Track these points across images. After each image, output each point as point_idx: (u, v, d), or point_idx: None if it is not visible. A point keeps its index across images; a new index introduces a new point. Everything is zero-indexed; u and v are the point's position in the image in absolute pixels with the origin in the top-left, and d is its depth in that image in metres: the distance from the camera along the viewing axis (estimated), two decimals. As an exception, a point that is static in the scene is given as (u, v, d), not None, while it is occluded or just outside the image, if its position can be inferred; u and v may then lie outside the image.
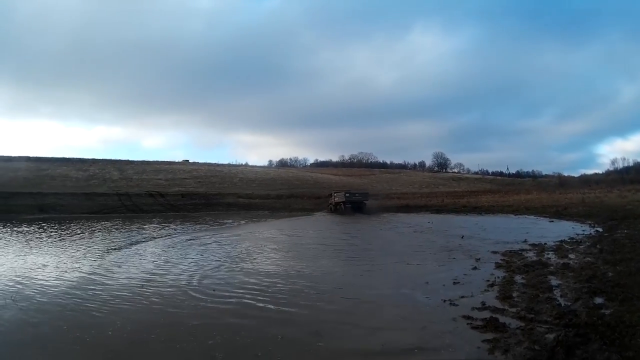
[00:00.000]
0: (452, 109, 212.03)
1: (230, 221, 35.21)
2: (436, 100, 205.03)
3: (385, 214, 43.50)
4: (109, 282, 11.66)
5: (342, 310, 8.70)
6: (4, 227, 29.57)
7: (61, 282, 11.82)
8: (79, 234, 25.08)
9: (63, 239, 22.44)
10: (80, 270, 13.43)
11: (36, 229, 27.65)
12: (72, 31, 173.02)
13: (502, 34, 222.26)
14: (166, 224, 31.82)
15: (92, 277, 12.40)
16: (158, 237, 22.84)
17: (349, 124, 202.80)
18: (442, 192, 75.77)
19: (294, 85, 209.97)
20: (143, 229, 28.37)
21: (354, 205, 43.76)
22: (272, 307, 9.00)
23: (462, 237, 20.36)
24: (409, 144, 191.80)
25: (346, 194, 45.10)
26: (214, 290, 10.49)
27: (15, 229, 28.16)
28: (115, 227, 29.62)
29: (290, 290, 10.48)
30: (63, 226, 30.04)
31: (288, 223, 34.40)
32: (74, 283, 11.60)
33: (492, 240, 19.25)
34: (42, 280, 12.03)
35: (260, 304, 9.20)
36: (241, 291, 10.39)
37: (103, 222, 33.71)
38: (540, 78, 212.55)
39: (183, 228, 28.89)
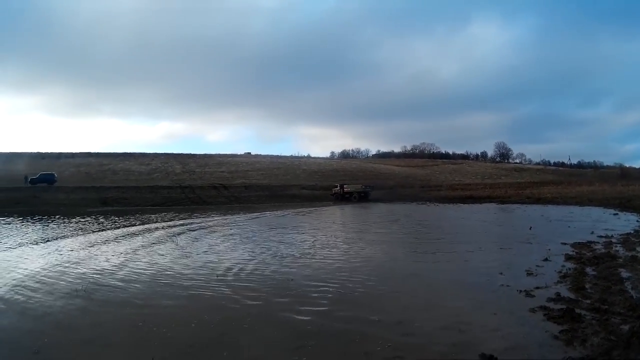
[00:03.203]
0: (512, 99, 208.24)
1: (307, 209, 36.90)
2: (497, 91, 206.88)
3: (449, 204, 43.96)
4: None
5: (425, 297, 9.17)
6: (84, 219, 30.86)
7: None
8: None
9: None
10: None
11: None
12: (135, 32, 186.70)
13: (560, 23, 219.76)
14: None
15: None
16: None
17: (411, 116, 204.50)
18: (505, 183, 73.98)
19: (357, 78, 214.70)
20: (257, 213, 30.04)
21: (361, 194, 52.84)
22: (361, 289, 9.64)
23: (530, 229, 20.26)
24: (470, 134, 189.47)
25: (363, 186, 55.79)
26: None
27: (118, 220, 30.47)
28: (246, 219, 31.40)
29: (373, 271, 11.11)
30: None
31: (360, 213, 35.49)
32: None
33: (559, 232, 19.06)
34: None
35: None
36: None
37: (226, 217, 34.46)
38: (599, 67, 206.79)
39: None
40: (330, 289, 9.76)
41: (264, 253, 15.07)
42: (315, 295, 9.29)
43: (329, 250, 15.44)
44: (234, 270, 12.12)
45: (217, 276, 11.38)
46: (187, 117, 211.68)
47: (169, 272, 11.98)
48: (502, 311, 7.93)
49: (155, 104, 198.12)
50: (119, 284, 10.75)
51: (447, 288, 9.94)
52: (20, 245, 17.68)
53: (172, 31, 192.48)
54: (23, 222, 28.41)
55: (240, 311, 8.31)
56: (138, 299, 9.31)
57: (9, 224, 27.21)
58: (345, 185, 54.62)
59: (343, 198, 52.27)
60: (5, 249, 16.87)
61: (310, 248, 16.05)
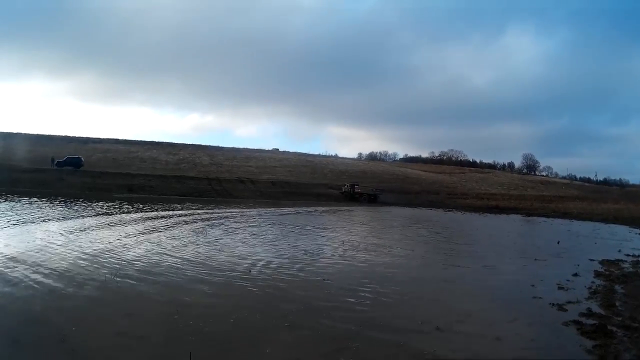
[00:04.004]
0: (543, 112, 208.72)
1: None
2: (528, 103, 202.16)
3: (476, 213, 44.01)
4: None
5: (460, 305, 9.39)
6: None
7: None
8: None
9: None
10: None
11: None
12: (173, 24, 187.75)
13: (594, 39, 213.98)
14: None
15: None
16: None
17: (441, 122, 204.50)
18: (530, 195, 73.40)
19: (390, 82, 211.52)
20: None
21: (371, 197, 54.56)
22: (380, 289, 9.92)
23: (558, 243, 20.44)
24: (499, 144, 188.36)
25: (375, 189, 58.26)
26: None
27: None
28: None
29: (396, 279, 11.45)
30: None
31: (387, 217, 35.70)
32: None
33: (586, 248, 19.33)
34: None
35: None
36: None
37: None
38: (630, 84, 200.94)
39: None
40: (366, 292, 10.00)
41: (298, 250, 15.40)
42: (352, 299, 9.36)
43: (360, 252, 15.69)
44: (271, 266, 12.32)
45: (250, 272, 11.47)
46: (217, 111, 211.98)
47: (201, 265, 11.96)
48: (537, 323, 8.21)
49: (186, 95, 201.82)
50: (151, 277, 10.45)
51: (481, 297, 10.24)
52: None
53: (209, 25, 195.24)
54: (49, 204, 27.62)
55: (279, 309, 8.41)
56: (170, 292, 9.26)
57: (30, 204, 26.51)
58: (356, 186, 56.13)
59: (352, 198, 53.67)
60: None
61: (343, 249, 16.29)
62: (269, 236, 18.95)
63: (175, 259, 12.55)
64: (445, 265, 14.23)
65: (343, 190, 55.80)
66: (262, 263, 12.73)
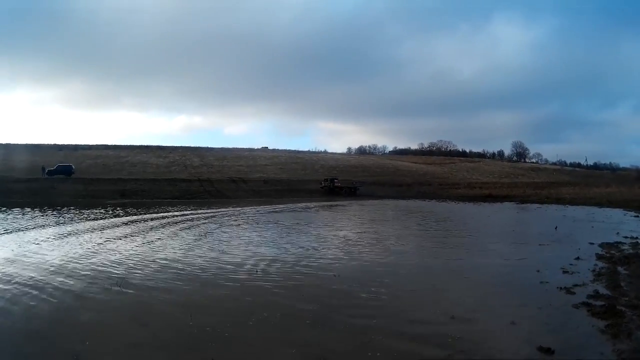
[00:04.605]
0: (531, 99, 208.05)
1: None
2: (516, 90, 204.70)
3: (470, 202, 44.46)
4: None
5: (470, 293, 9.57)
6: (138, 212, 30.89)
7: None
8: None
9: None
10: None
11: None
12: (156, 26, 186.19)
13: (581, 25, 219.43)
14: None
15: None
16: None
17: (430, 113, 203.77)
18: (522, 182, 73.87)
19: (377, 75, 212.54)
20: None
21: (351, 190, 55.74)
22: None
23: (556, 228, 20.70)
24: (488, 134, 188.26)
25: (354, 182, 59.14)
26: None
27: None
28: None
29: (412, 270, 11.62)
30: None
31: (383, 210, 35.63)
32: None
33: (584, 232, 19.54)
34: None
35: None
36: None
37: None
38: (618, 69, 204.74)
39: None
40: (377, 287, 10.02)
41: (302, 247, 15.49)
42: (364, 295, 9.39)
43: (363, 247, 15.74)
44: (275, 266, 12.27)
45: (257, 272, 11.49)
46: (205, 111, 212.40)
47: (208, 268, 11.98)
48: (547, 306, 8.32)
49: (173, 97, 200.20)
50: (161, 284, 10.32)
51: (489, 285, 10.36)
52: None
53: (192, 25, 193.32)
54: (43, 214, 27.15)
55: (297, 308, 8.46)
56: (181, 297, 9.21)
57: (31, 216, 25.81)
58: (335, 180, 57.18)
59: (332, 192, 54.38)
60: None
61: (345, 244, 16.37)
62: (269, 234, 19.00)
63: (181, 263, 12.54)
64: (450, 255, 14.30)
65: (322, 185, 56.39)
66: (265, 262, 12.76)
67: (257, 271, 11.57)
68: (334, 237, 18.33)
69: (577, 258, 13.16)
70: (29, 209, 29.62)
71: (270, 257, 13.40)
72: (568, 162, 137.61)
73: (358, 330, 7.30)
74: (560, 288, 9.60)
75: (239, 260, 13.04)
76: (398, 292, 9.64)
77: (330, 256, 13.91)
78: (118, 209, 31.83)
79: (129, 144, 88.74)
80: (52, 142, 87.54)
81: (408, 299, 9.24)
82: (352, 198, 50.29)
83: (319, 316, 7.98)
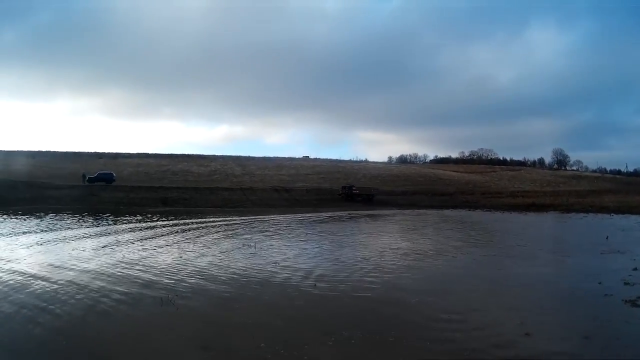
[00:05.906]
0: (568, 106, 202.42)
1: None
2: (553, 97, 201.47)
3: (514, 212, 44.22)
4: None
5: (543, 305, 9.85)
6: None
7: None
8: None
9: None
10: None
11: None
12: (197, 37, 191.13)
13: (616, 29, 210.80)
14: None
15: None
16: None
17: (468, 121, 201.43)
18: (564, 190, 72.21)
19: (416, 83, 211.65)
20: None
21: (368, 197, 56.99)
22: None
23: (607, 238, 20.75)
24: (526, 141, 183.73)
25: (371, 189, 61.00)
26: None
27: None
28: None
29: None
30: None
31: (434, 220, 35.57)
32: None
33: (636, 241, 19.87)
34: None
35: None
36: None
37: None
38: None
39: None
40: (444, 300, 10.38)
41: (358, 258, 15.96)
42: (443, 315, 9.26)
43: (421, 259, 15.94)
44: (336, 277, 12.60)
45: (315, 284, 11.70)
46: (246, 120, 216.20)
47: (261, 279, 12.23)
48: (617, 320, 8.69)
49: (214, 107, 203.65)
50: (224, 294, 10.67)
51: (556, 299, 10.76)
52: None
53: (234, 36, 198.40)
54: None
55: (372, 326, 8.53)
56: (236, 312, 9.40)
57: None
58: (353, 187, 59.23)
59: (351, 199, 55.85)
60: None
61: (398, 256, 16.58)
62: (320, 245, 19.43)
63: (231, 274, 12.87)
64: (509, 267, 14.58)
65: (341, 192, 57.67)
66: (325, 274, 13.05)
67: (315, 285, 11.68)
68: (390, 247, 18.66)
69: (635, 269, 13.40)
70: (87, 216, 30.27)
71: (329, 270, 13.67)
72: (608, 169, 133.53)
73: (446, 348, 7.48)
74: (626, 301, 9.81)
75: (295, 268, 13.62)
76: (471, 310, 9.68)
77: (389, 267, 14.15)
78: (160, 217, 32.31)
79: (169, 153, 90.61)
80: (92, 150, 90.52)
81: (482, 316, 9.28)
82: (395, 208, 49.62)
83: (402, 332, 8.21)
